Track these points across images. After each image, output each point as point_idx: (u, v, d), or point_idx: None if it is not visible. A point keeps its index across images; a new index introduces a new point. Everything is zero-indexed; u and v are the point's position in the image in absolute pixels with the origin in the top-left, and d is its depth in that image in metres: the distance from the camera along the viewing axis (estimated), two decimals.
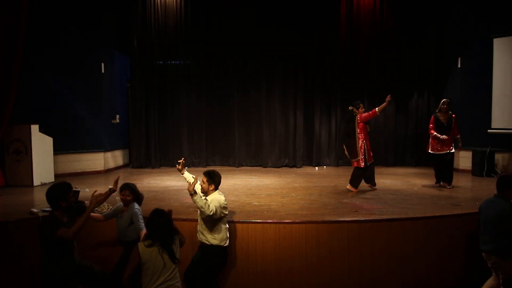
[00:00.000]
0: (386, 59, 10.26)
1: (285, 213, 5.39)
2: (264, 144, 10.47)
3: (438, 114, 7.20)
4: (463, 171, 9.16)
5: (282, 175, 9.05)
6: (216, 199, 4.39)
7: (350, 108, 6.93)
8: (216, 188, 4.51)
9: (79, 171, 8.94)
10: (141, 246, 3.60)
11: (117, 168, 10.16)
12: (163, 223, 3.64)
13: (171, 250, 3.60)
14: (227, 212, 4.52)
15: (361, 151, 6.73)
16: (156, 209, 3.80)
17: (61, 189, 3.85)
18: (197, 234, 4.56)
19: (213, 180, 4.47)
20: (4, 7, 6.98)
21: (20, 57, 7.28)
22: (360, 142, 6.76)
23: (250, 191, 7.07)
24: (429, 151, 7.23)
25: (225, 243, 4.51)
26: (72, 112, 9.00)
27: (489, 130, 8.75)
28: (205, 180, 4.46)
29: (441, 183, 7.30)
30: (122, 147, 10.64)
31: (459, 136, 7.25)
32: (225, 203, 4.45)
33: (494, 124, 8.66)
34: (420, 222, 5.16)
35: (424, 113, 10.27)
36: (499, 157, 8.72)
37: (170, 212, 3.86)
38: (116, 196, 4.85)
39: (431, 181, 8.08)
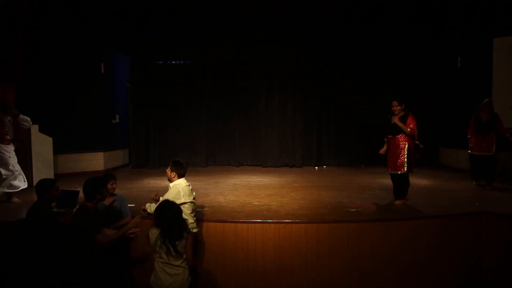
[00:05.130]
0: (386, 58, 10.27)
1: (285, 213, 5.39)
2: (264, 144, 10.47)
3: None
4: (463, 170, 9.16)
5: (282, 175, 9.04)
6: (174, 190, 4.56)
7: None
8: (179, 176, 4.67)
9: (79, 171, 8.93)
10: (151, 230, 3.79)
11: (117, 168, 10.16)
12: (168, 215, 3.77)
13: (172, 243, 3.69)
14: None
15: None
16: (167, 200, 4.01)
17: (98, 182, 4.12)
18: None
19: (175, 168, 4.66)
20: (3, 6, 6.97)
21: (20, 56, 7.28)
22: None
23: (250, 191, 7.06)
24: None
25: None
26: (72, 112, 9.00)
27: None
28: (169, 168, 4.71)
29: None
30: (122, 147, 10.64)
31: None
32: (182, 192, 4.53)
33: None
34: (420, 222, 5.17)
35: (424, 112, 10.26)
36: (499, 157, 8.71)
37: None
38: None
39: (431, 180, 8.10)
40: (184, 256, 3.81)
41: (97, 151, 9.39)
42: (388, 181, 7.93)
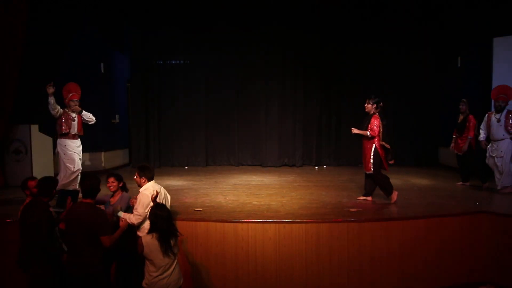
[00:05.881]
0: (386, 58, 10.27)
1: (285, 213, 5.39)
2: (263, 144, 10.47)
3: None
4: None
5: (282, 175, 9.05)
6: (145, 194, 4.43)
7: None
8: (149, 179, 4.54)
9: None
10: (145, 238, 3.82)
11: (118, 167, 10.15)
12: (164, 216, 3.84)
13: (169, 243, 3.78)
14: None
15: None
16: (158, 203, 4.08)
17: (97, 180, 4.04)
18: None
19: (143, 173, 4.52)
20: (3, 6, 6.97)
21: (20, 56, 7.28)
22: None
23: (250, 191, 7.07)
24: None
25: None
26: None
27: None
28: (136, 174, 4.57)
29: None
30: (122, 146, 10.63)
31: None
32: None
33: None
34: (420, 222, 5.17)
35: (424, 112, 10.26)
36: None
37: None
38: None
39: (431, 180, 8.10)
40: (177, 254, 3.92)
41: (97, 151, 9.38)
42: None
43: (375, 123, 5.85)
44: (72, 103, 6.36)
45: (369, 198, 6.17)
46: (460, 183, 7.55)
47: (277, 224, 4.97)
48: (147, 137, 10.34)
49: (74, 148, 6.31)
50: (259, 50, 10.31)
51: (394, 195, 5.97)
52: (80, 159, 6.36)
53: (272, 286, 4.94)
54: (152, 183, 4.55)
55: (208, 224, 5.03)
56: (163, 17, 10.08)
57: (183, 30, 10.18)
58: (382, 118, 5.96)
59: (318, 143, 10.59)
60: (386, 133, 6.02)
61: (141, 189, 4.51)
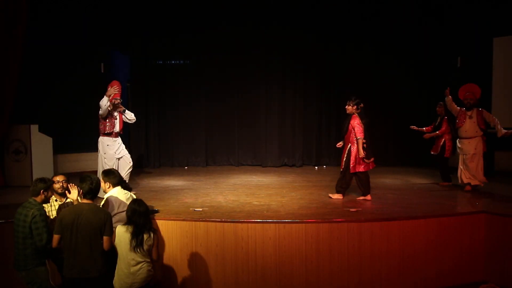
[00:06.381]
0: (386, 58, 10.26)
1: (285, 213, 5.39)
2: (263, 144, 10.46)
3: None
4: None
5: (281, 175, 9.05)
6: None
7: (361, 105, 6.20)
8: (114, 185, 4.44)
9: (79, 171, 8.91)
10: (119, 228, 3.88)
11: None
12: (141, 212, 3.89)
13: (140, 239, 3.81)
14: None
15: None
16: (135, 198, 4.10)
17: (97, 180, 3.99)
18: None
19: (108, 179, 4.43)
20: (3, 6, 6.97)
21: (20, 56, 7.28)
22: None
23: (250, 191, 7.07)
24: None
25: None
26: (72, 112, 8.99)
27: (489, 130, 8.74)
28: (101, 179, 4.44)
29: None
30: None
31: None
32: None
33: None
34: (420, 222, 5.17)
35: (424, 112, 10.25)
36: (499, 157, 8.71)
37: None
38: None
39: (431, 180, 8.10)
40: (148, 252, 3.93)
41: (97, 151, 9.35)
42: (387, 181, 7.99)
43: (356, 123, 6.02)
44: (115, 101, 6.39)
45: (369, 197, 6.18)
46: (443, 183, 7.58)
47: (277, 224, 4.97)
48: (147, 137, 10.33)
49: (115, 147, 6.41)
50: (259, 50, 10.29)
51: (336, 196, 6.29)
52: (123, 156, 6.50)
53: (272, 286, 4.94)
54: (117, 188, 4.44)
55: (208, 224, 5.03)
56: (163, 17, 10.07)
57: (183, 30, 10.17)
58: (362, 118, 6.11)
59: (318, 143, 10.58)
60: (368, 130, 6.21)
61: (105, 196, 4.41)
